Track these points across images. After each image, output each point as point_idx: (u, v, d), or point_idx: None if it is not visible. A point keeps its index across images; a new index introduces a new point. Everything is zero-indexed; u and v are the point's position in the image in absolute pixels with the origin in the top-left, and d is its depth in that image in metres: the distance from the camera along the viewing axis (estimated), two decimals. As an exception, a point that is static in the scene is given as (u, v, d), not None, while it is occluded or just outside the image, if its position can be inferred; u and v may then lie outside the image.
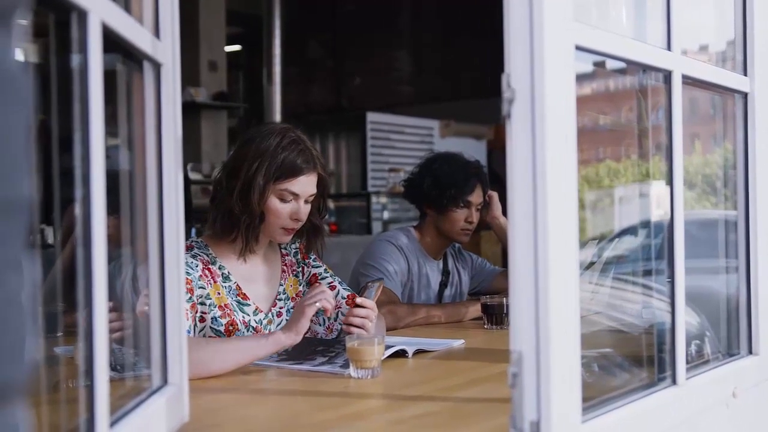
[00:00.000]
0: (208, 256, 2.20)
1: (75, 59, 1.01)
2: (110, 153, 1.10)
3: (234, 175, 2.17)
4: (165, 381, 1.36)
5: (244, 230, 2.17)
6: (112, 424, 1.08)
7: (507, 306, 2.63)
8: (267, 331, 2.22)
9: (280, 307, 2.31)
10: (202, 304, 2.12)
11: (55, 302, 1.57)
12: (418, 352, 2.17)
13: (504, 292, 2.93)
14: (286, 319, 2.27)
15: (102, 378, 1.01)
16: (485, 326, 2.65)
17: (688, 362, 1.53)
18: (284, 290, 2.34)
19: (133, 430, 1.15)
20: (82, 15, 0.99)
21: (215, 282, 2.18)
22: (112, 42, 1.11)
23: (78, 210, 1.01)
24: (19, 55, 0.58)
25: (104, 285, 1.02)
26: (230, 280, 2.21)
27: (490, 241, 6.81)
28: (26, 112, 0.57)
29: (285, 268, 2.36)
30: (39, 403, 1.08)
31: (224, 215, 2.18)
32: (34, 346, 0.59)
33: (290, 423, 1.55)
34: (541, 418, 1.15)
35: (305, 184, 2.19)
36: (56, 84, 1.06)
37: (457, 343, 2.34)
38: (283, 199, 2.17)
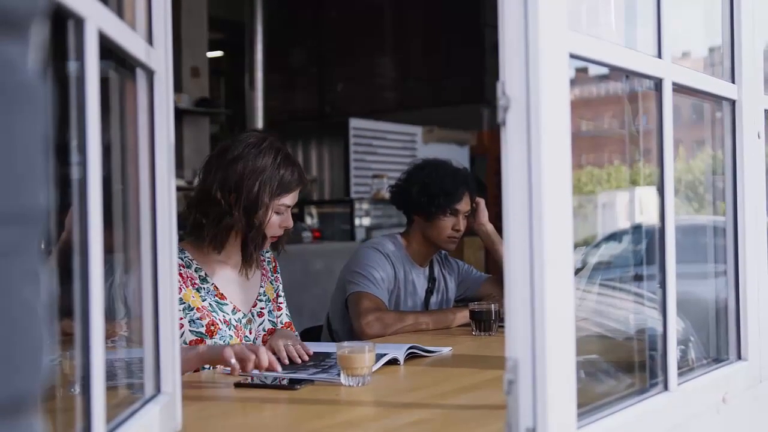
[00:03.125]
0: (182, 259, 2.25)
1: (71, 66, 1.01)
2: (102, 160, 1.10)
3: (229, 190, 2.22)
4: (158, 390, 1.36)
5: (252, 247, 2.26)
6: (108, 433, 1.07)
7: (495, 312, 2.64)
8: (247, 331, 2.31)
9: (261, 308, 2.39)
10: None
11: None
12: (411, 356, 2.17)
13: (491, 298, 2.94)
14: (269, 320, 2.38)
15: (98, 387, 1.00)
16: (473, 333, 2.65)
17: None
18: (264, 292, 2.42)
19: (128, 439, 1.14)
20: (79, 22, 0.98)
21: (188, 286, 2.23)
22: (106, 49, 1.10)
23: (74, 217, 1.00)
24: (35, 65, 0.57)
25: (100, 293, 1.01)
26: (208, 282, 2.27)
27: (473, 247, 6.82)
28: (43, 121, 0.57)
29: (264, 271, 2.45)
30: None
31: (225, 230, 2.24)
32: (49, 357, 0.59)
33: (283, 431, 1.54)
34: (537, 425, 1.15)
35: (296, 196, 2.32)
36: (51, 90, 1.05)
37: (446, 351, 2.34)
38: (278, 213, 2.28)
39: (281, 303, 2.49)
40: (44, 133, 0.58)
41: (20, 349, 0.54)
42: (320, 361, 2.12)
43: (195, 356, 2.01)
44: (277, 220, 2.28)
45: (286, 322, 2.44)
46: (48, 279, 0.59)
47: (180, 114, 7.34)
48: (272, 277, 2.48)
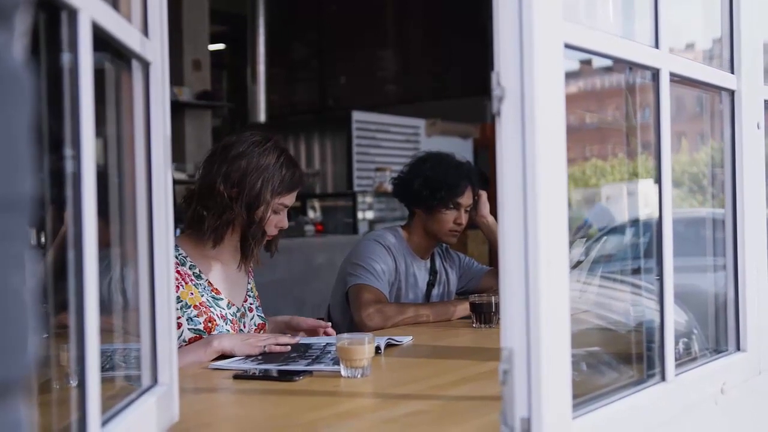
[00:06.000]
0: (177, 257, 2.26)
1: (64, 57, 1.01)
2: (97, 153, 1.10)
3: (232, 185, 2.25)
4: (155, 381, 1.36)
5: (252, 242, 2.30)
6: (104, 423, 1.07)
7: (495, 304, 2.64)
8: (242, 324, 2.36)
9: (250, 303, 2.44)
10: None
11: (43, 303, 1.57)
12: (389, 346, 2.23)
13: (492, 290, 2.94)
14: (258, 315, 2.44)
15: (93, 378, 1.01)
16: (473, 325, 2.66)
17: (676, 359, 1.54)
18: (251, 288, 2.46)
19: (124, 429, 1.14)
20: (73, 13, 0.98)
21: (187, 283, 2.25)
22: (101, 40, 1.10)
23: (68, 210, 1.00)
24: (20, 54, 0.58)
25: (95, 285, 1.01)
26: (202, 278, 2.30)
27: (476, 240, 6.83)
28: (28, 110, 0.58)
29: (250, 270, 2.49)
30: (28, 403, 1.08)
31: (224, 225, 2.27)
32: (36, 343, 0.59)
33: (281, 422, 1.54)
34: (532, 415, 1.15)
35: (294, 197, 2.36)
36: (44, 82, 1.05)
37: (406, 340, 2.36)
38: (276, 212, 2.31)
39: (258, 304, 2.52)
40: (29, 122, 0.58)
41: (5, 334, 0.55)
42: (303, 352, 2.12)
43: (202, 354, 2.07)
44: (273, 220, 2.31)
45: (259, 323, 2.45)
46: (35, 266, 0.60)
47: (182, 107, 7.34)
48: (254, 276, 2.53)
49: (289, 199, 2.33)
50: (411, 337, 2.40)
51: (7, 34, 0.55)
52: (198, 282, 2.28)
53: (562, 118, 1.21)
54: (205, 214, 2.25)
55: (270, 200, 2.27)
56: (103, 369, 1.13)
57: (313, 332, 2.42)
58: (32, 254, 0.60)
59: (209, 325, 2.23)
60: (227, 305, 2.32)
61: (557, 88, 1.20)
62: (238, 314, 2.35)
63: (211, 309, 2.26)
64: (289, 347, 2.14)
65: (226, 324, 2.27)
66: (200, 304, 2.24)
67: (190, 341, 2.19)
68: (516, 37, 1.16)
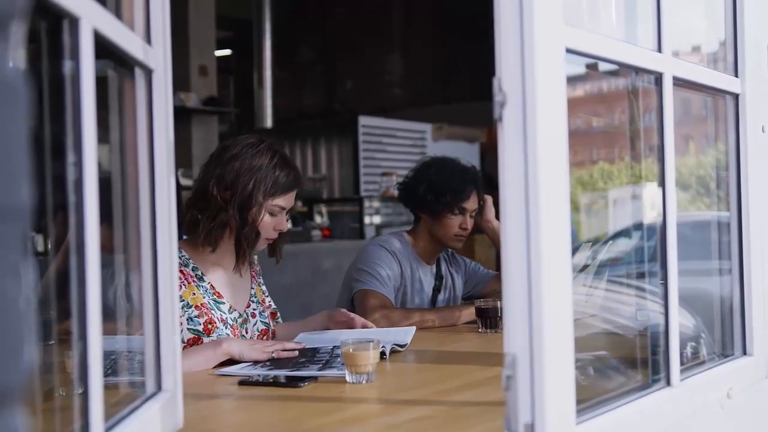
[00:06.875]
0: (180, 258, 2.27)
1: (66, 65, 1.01)
2: (101, 159, 1.10)
3: (225, 187, 2.26)
4: (159, 387, 1.36)
5: (245, 244, 2.29)
6: (107, 430, 1.08)
7: (501, 309, 2.63)
8: (243, 330, 2.35)
9: (254, 309, 2.43)
10: None
11: (48, 310, 1.58)
12: (394, 352, 2.22)
13: (497, 295, 2.93)
14: (261, 321, 2.43)
15: (96, 385, 1.01)
16: (479, 330, 2.65)
17: (683, 364, 1.54)
18: (254, 294, 2.46)
19: (128, 437, 1.14)
20: (74, 22, 0.99)
21: (189, 283, 2.26)
22: (103, 48, 1.10)
23: (71, 217, 1.00)
24: (16, 63, 0.58)
25: (97, 292, 1.01)
26: (204, 281, 2.30)
27: (484, 245, 6.81)
28: (25, 119, 0.58)
29: (254, 274, 2.49)
30: (33, 410, 1.08)
31: (219, 227, 2.27)
32: (32, 351, 0.60)
33: (286, 428, 1.54)
34: (535, 421, 1.15)
35: (292, 199, 2.35)
36: (47, 90, 1.06)
37: (410, 334, 2.37)
38: (272, 214, 2.31)
39: (269, 301, 2.53)
40: (25, 130, 0.58)
41: (2, 343, 0.55)
42: (312, 357, 2.12)
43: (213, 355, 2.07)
44: (270, 222, 2.30)
45: (263, 329, 2.45)
46: (32, 275, 0.60)
47: (188, 113, 7.34)
48: (259, 280, 2.53)
49: (285, 201, 2.32)
50: (414, 328, 2.41)
51: (3, 43, 0.56)
52: (200, 284, 2.28)
53: (564, 122, 1.21)
54: (199, 218, 2.26)
55: (263, 201, 2.27)
56: (106, 374, 1.13)
57: (349, 325, 2.44)
58: (30, 263, 0.60)
59: (209, 326, 2.23)
60: (229, 310, 2.32)
61: (559, 93, 1.20)
62: (240, 320, 2.35)
63: (212, 311, 2.26)
64: (297, 353, 2.14)
65: (226, 328, 2.27)
66: (201, 305, 2.25)
67: (189, 342, 2.19)
68: (517, 42, 1.16)
